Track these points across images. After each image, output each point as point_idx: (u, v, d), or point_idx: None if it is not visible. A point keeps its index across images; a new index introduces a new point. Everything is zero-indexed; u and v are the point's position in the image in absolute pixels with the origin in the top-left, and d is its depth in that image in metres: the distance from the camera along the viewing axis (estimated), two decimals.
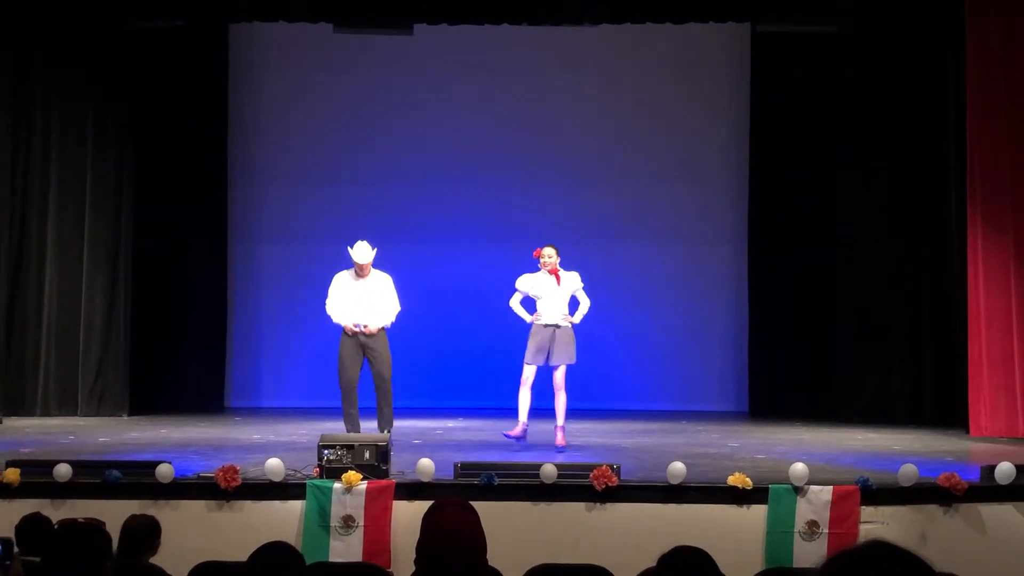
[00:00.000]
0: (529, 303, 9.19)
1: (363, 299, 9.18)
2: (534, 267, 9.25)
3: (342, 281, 9.29)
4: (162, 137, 11.97)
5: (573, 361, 9.09)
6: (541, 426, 9.74)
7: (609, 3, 10.66)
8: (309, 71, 12.61)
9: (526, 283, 9.14)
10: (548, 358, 9.03)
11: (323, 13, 10.97)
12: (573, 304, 9.21)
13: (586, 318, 9.23)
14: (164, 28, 11.61)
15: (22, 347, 11.07)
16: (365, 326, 9.13)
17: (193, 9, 11.11)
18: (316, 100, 12.63)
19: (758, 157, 12.31)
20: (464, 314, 12.36)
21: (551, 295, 9.06)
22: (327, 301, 9.27)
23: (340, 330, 9.20)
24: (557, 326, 9.03)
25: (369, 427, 9.21)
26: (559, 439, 9.01)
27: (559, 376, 9.05)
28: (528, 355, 9.06)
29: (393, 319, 9.21)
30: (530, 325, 9.09)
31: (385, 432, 9.00)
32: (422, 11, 10.89)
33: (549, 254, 9.09)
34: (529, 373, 9.06)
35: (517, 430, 9.00)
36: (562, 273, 9.12)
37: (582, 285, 9.18)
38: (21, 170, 11.07)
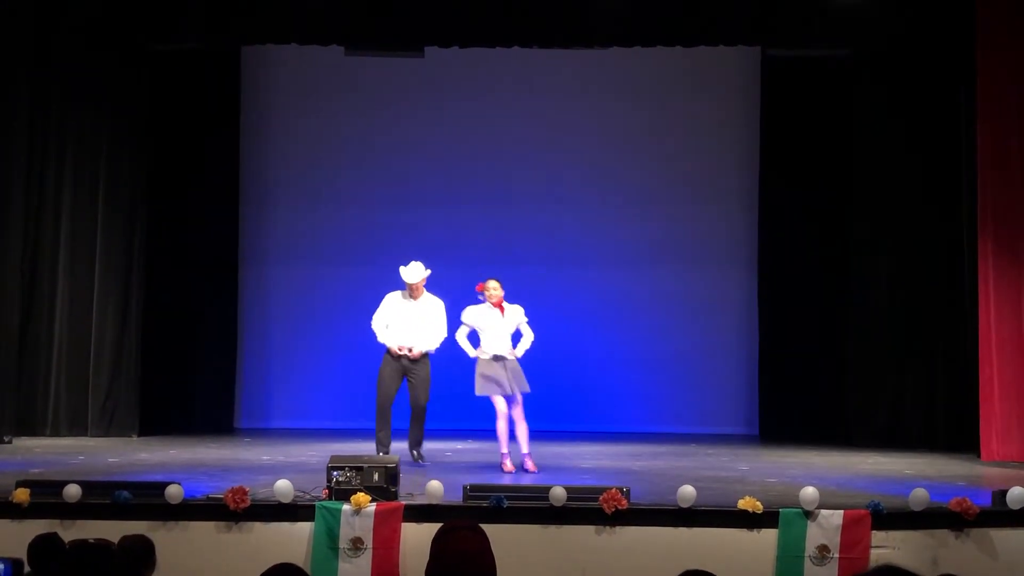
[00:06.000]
0: (473, 337, 9.10)
1: (413, 321, 9.16)
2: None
3: (393, 301, 9.29)
4: (173, 158, 12.00)
5: (528, 390, 8.97)
6: (548, 448, 9.73)
7: (619, 26, 10.66)
8: (320, 93, 12.65)
9: (471, 316, 9.06)
10: (505, 387, 8.87)
11: (335, 36, 11.00)
12: (516, 337, 9.13)
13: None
14: (176, 51, 11.66)
15: (33, 367, 11.08)
16: (410, 349, 9.12)
17: (206, 32, 11.13)
18: (327, 122, 12.67)
19: (768, 180, 12.31)
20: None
21: (495, 327, 9.00)
22: (374, 317, 9.27)
23: (379, 349, 9.19)
24: (504, 357, 8.95)
25: (398, 448, 9.23)
26: (529, 465, 8.86)
27: (520, 407, 8.92)
28: (480, 387, 8.92)
29: (438, 345, 9.20)
30: (475, 359, 8.98)
31: (414, 453, 9.02)
32: (433, 34, 10.90)
33: (494, 287, 9.04)
34: (501, 405, 8.90)
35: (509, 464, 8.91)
36: (506, 306, 9.05)
37: (526, 319, 9.11)
38: (35, 189, 11.10)
